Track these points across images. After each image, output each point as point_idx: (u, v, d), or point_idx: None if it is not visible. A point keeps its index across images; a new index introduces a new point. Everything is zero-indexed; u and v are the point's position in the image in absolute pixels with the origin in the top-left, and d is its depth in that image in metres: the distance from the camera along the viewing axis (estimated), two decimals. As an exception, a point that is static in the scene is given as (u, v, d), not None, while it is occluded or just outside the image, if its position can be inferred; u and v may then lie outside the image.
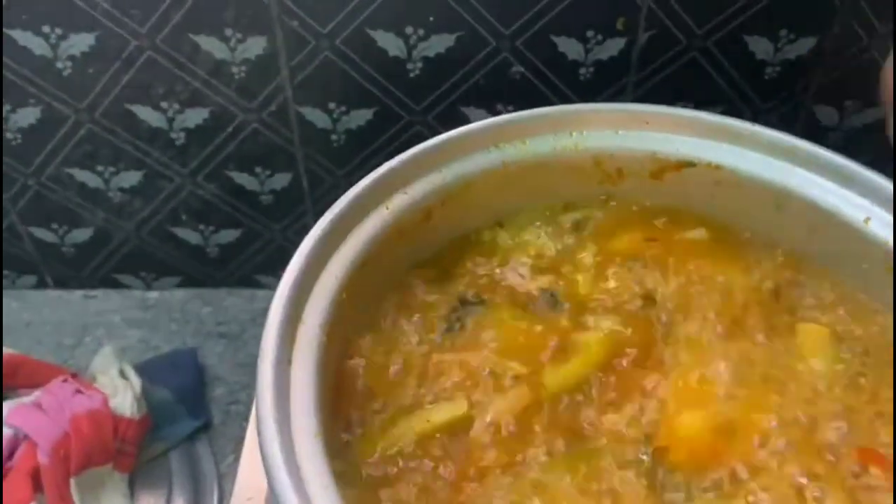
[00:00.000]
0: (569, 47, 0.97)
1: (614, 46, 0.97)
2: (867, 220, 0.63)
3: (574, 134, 0.69)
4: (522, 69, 0.99)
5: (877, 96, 0.74)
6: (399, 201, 0.64)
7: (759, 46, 0.97)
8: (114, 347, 1.08)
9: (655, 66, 1.00)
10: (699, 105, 0.91)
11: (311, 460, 0.49)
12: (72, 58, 0.96)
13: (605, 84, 1.01)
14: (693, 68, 1.00)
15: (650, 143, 0.69)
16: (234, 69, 0.98)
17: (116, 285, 1.24)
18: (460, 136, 0.67)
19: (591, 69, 0.99)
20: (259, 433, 0.48)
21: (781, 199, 0.66)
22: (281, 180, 1.11)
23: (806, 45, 0.97)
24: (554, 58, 0.98)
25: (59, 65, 0.97)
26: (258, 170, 1.09)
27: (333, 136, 1.05)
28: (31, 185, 1.10)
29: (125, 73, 0.99)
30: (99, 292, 1.24)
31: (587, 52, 0.98)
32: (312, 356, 0.54)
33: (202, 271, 1.22)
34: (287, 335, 0.53)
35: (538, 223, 0.71)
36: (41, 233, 1.16)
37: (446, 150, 0.66)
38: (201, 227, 1.16)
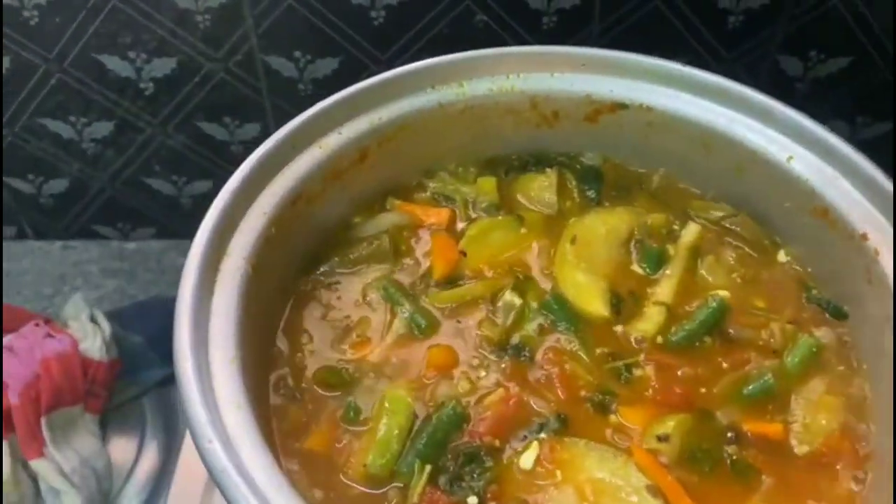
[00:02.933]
0: (531, -4, 0.97)
1: (576, -6, 0.97)
2: (790, 158, 0.64)
3: (511, 76, 0.70)
4: (486, 18, 1.00)
5: None
6: (333, 140, 0.65)
7: (721, -5, 0.97)
8: (86, 294, 1.10)
9: (619, 16, 1.00)
10: (664, 57, 0.91)
11: (227, 381, 0.51)
12: (38, 6, 0.98)
13: (568, 33, 1.01)
14: (657, 18, 1.00)
15: (585, 85, 0.70)
16: (199, 18, 0.99)
17: (95, 236, 1.26)
18: (396, 77, 0.68)
19: (554, 18, 1.00)
20: (174, 354, 0.50)
21: (709, 138, 0.67)
22: (250, 130, 1.12)
23: (767, -7, 0.97)
24: (517, 6, 0.98)
25: (26, 13, 0.98)
26: (227, 120, 1.11)
27: (301, 86, 1.07)
28: (5, 135, 1.11)
29: (91, 21, 1.00)
30: (78, 243, 1.26)
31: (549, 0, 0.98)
32: (236, 286, 0.56)
33: (178, 222, 1.24)
34: (210, 265, 0.55)
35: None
36: (18, 183, 1.18)
37: (382, 90, 0.67)
38: (174, 177, 1.18)
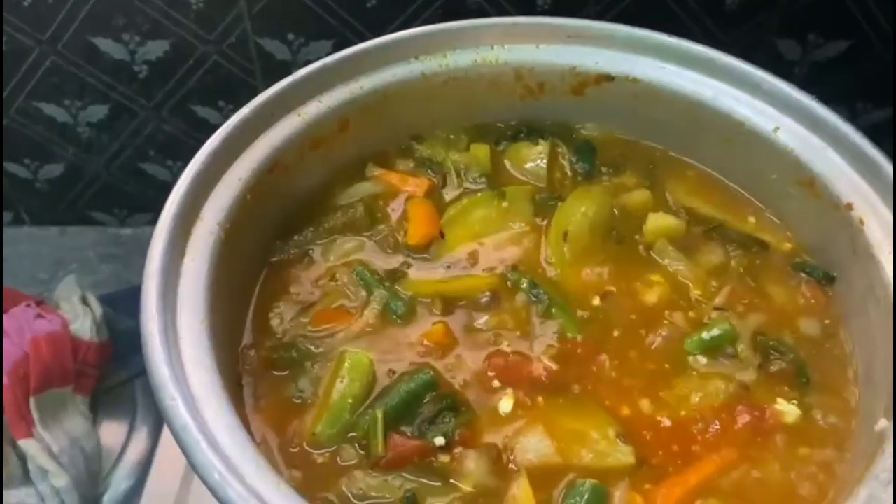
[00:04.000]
0: (526, -24, 0.97)
1: (572, -25, 0.96)
2: (776, 129, 0.63)
3: (495, 48, 0.70)
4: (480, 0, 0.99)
5: None
6: (313, 109, 0.65)
7: (719, -25, 0.96)
8: (81, 279, 1.10)
9: (614, -2, 0.99)
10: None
11: (194, 342, 0.50)
12: (30, -13, 0.98)
13: (564, 16, 1.00)
14: (653, 0, 0.99)
15: (570, 57, 0.69)
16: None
17: (91, 222, 1.26)
18: (378, 46, 0.67)
19: (549, 0, 0.99)
20: (140, 314, 0.50)
21: (695, 110, 0.66)
22: (245, 114, 1.11)
23: (766, -26, 0.96)
24: (512, -13, 0.98)
25: (20, -6, 0.98)
26: (221, 103, 1.10)
27: (294, 69, 1.05)
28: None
29: (85, 3, 1.00)
30: (74, 228, 1.26)
31: (545, -19, 0.97)
32: (208, 250, 0.55)
33: (173, 208, 1.24)
34: (182, 228, 0.55)
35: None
36: (14, 168, 1.18)
37: (364, 59, 0.67)
38: (169, 162, 1.18)
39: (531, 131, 0.72)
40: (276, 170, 0.62)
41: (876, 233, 0.58)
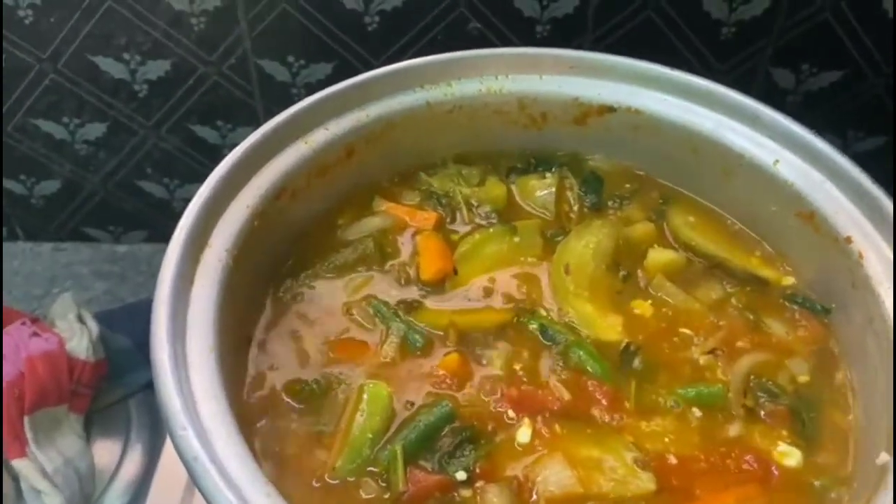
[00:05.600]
0: (525, 4, 0.98)
1: (569, 3, 0.98)
2: (776, 162, 0.64)
3: (500, 77, 0.70)
4: (479, 25, 1.00)
5: None
6: (320, 136, 0.65)
7: (714, 5, 0.97)
8: (76, 296, 1.10)
9: (612, 26, 1.00)
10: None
11: (203, 371, 0.50)
12: (32, 6, 0.98)
13: (561, 42, 1.01)
14: (649, 28, 1.00)
15: (573, 88, 0.70)
16: (194, 20, 1.00)
17: (86, 238, 1.26)
18: (384, 74, 0.68)
19: (548, 27, 1.00)
20: (150, 342, 0.50)
21: (696, 142, 0.67)
22: (243, 134, 1.11)
23: (760, 5, 0.97)
24: (511, 14, 0.99)
25: (21, 13, 0.98)
26: (220, 123, 1.11)
27: (294, 90, 1.07)
28: (-3, 135, 1.12)
29: (86, 22, 1.00)
30: (68, 245, 1.26)
31: (543, 8, 0.98)
32: (216, 277, 0.55)
33: (169, 226, 1.23)
34: (190, 255, 0.55)
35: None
36: (10, 184, 1.18)
37: (370, 88, 0.68)
38: (166, 180, 1.18)
39: (539, 162, 0.72)
40: (282, 196, 0.62)
41: (875, 266, 0.59)
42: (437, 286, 0.64)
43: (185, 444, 0.46)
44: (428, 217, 0.69)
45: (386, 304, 0.63)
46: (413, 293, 0.64)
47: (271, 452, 0.55)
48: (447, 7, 0.98)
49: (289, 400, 0.58)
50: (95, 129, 1.12)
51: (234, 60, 1.04)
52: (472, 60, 0.70)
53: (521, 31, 1.00)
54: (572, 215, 0.70)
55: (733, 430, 0.58)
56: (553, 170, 0.72)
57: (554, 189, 0.70)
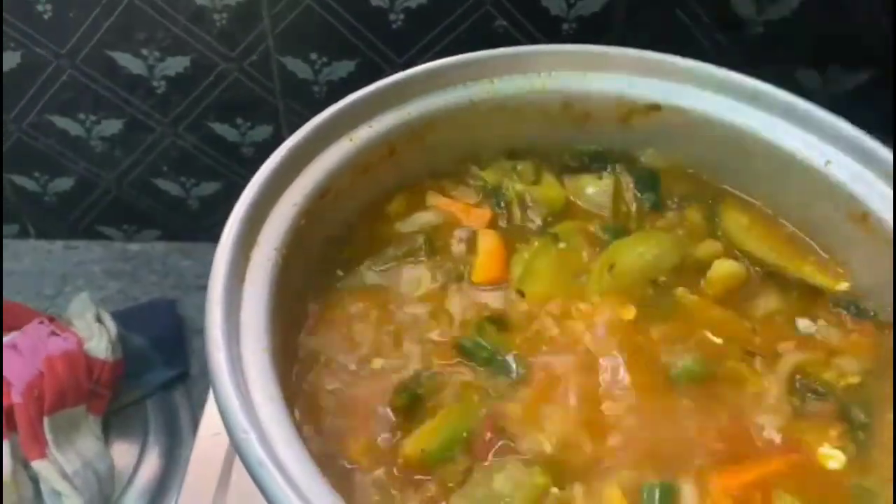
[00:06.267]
0: (551, 2, 0.97)
1: (597, 2, 0.97)
2: (828, 162, 0.63)
3: (542, 74, 0.69)
4: (505, 23, 0.99)
5: None
6: (364, 133, 0.64)
7: (742, 5, 0.97)
8: (88, 296, 1.08)
9: (638, 24, 0.99)
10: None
11: (259, 371, 0.49)
12: (52, 0, 0.96)
13: (587, 41, 0.99)
14: (677, 27, 0.99)
15: (617, 86, 0.69)
16: (216, 16, 0.98)
17: (98, 236, 1.25)
18: (427, 71, 0.67)
19: (574, 25, 0.99)
20: (206, 344, 0.48)
21: (744, 142, 0.66)
22: (262, 132, 1.11)
23: (788, 5, 0.97)
24: (537, 12, 0.98)
25: (40, 7, 0.97)
26: (239, 121, 1.09)
27: (315, 88, 1.05)
28: (12, 130, 1.10)
29: (106, 17, 0.99)
30: (80, 243, 1.24)
31: (570, 6, 0.97)
32: (266, 276, 0.54)
33: (183, 224, 1.23)
34: (240, 255, 0.54)
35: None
36: (23, 181, 1.17)
37: (413, 85, 0.66)
38: (182, 178, 1.16)
39: (592, 160, 0.71)
40: (328, 195, 0.61)
41: (931, 267, 0.58)
42: (491, 288, 0.63)
43: (248, 448, 0.44)
44: (482, 215, 0.67)
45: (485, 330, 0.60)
46: (477, 301, 0.62)
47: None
48: (473, 5, 0.97)
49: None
50: (112, 126, 1.10)
51: (256, 57, 1.02)
52: (515, 57, 0.69)
53: (547, 29, 1.00)
54: (632, 215, 0.68)
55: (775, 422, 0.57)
56: (608, 168, 0.71)
57: (611, 189, 0.69)
